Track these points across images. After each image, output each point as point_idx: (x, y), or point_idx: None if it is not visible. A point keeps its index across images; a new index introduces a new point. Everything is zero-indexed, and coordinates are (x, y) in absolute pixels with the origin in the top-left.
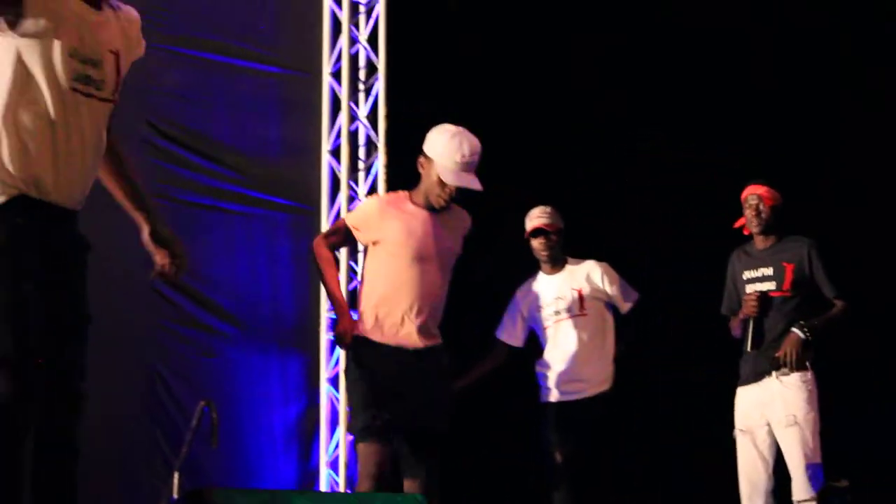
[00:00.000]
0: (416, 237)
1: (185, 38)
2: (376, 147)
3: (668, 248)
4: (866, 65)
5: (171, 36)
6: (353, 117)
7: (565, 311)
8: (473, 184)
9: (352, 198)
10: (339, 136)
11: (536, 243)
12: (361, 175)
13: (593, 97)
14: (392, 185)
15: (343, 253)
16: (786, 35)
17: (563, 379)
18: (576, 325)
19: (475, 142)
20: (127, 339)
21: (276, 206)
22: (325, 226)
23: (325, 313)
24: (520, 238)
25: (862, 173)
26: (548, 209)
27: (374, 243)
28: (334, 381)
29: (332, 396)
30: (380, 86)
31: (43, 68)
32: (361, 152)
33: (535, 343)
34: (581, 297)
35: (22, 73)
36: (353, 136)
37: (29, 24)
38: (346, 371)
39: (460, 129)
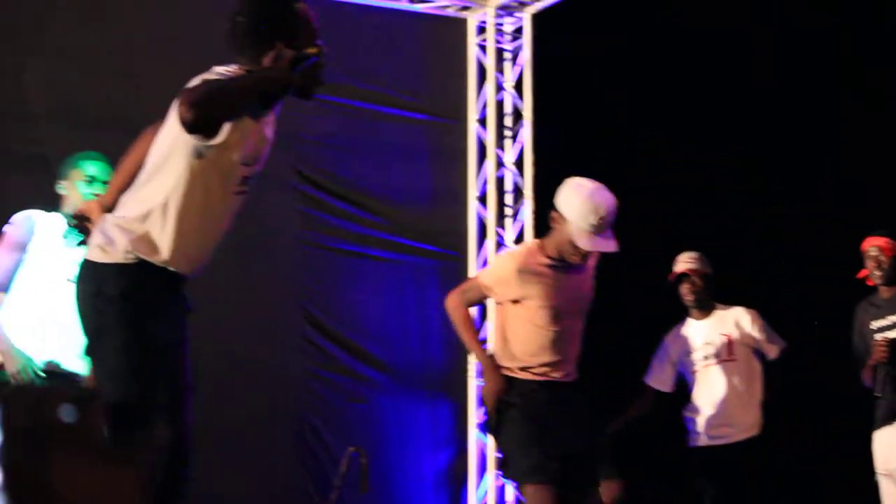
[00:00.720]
0: (554, 299)
1: (333, 87)
2: (523, 193)
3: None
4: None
5: None
6: (499, 164)
7: (714, 356)
8: (607, 246)
9: (499, 244)
10: (486, 182)
11: (683, 288)
12: (508, 221)
13: (741, 141)
14: (539, 232)
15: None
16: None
17: (711, 424)
18: (724, 371)
19: (610, 202)
20: (276, 385)
21: (424, 253)
22: (473, 272)
23: (474, 359)
24: (668, 283)
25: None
26: (695, 254)
27: (513, 302)
28: (483, 427)
29: (481, 442)
30: (526, 132)
31: (215, 175)
32: (508, 198)
33: (683, 388)
34: (730, 343)
35: (192, 175)
36: (500, 182)
37: (220, 139)
38: (498, 413)
39: (595, 186)
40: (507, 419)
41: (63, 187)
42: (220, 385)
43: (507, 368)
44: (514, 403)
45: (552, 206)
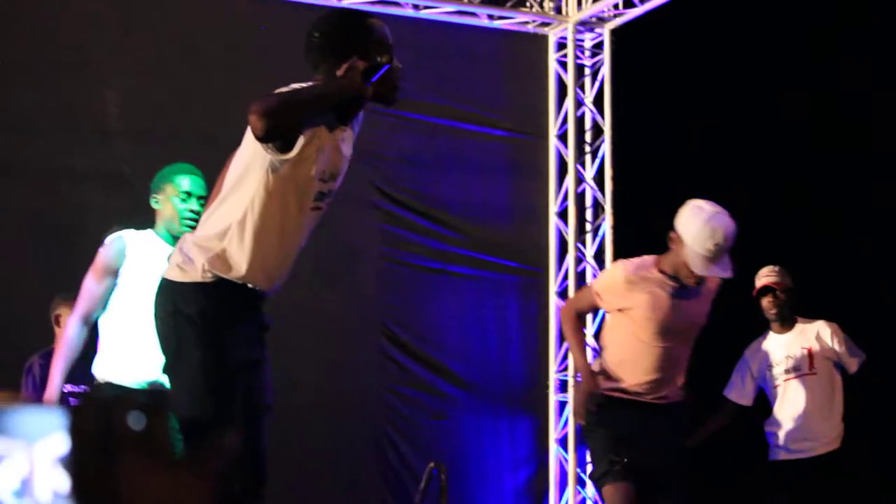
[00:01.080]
0: (662, 313)
1: (412, 103)
2: (603, 209)
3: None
4: None
5: (399, 101)
6: (579, 179)
7: (794, 369)
8: (722, 272)
9: (579, 259)
10: (565, 198)
11: (765, 302)
12: (589, 237)
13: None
14: (619, 247)
15: None
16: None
17: (792, 437)
18: (805, 385)
19: (729, 228)
20: (357, 402)
21: (505, 269)
22: (553, 288)
23: (554, 375)
24: (748, 297)
25: None
26: (776, 268)
27: (619, 311)
28: (563, 443)
29: (562, 458)
30: (606, 147)
31: (291, 191)
32: (588, 214)
33: (763, 402)
34: (811, 356)
35: (268, 190)
36: (580, 198)
37: (294, 152)
38: (586, 421)
39: (715, 211)
40: (595, 424)
41: (157, 202)
42: (301, 400)
43: (604, 380)
44: (603, 407)
45: (632, 222)
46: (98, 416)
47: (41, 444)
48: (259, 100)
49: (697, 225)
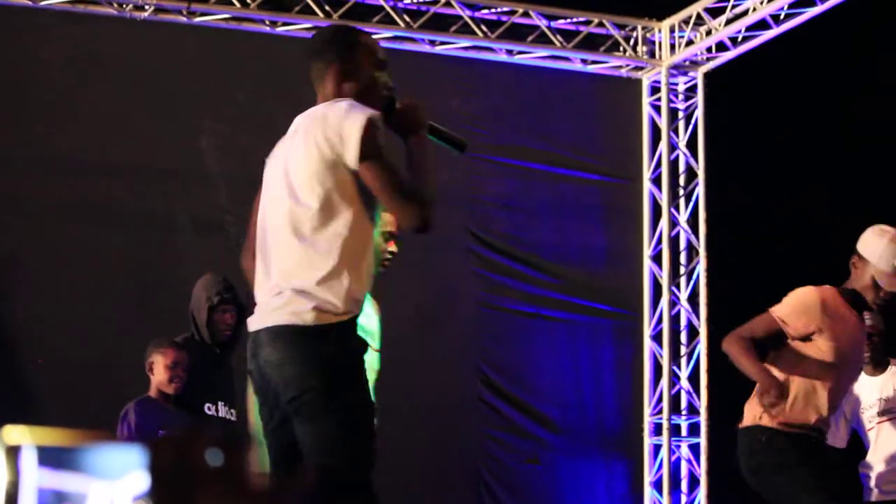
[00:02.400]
0: (849, 341)
1: (508, 148)
2: (697, 251)
3: None
4: None
5: (494, 146)
6: (673, 223)
7: (888, 411)
8: None
9: (673, 303)
10: (659, 241)
11: None
12: (683, 280)
13: None
14: (713, 290)
15: (665, 356)
16: None
17: (886, 479)
18: None
19: None
20: (452, 446)
21: (599, 313)
22: (647, 331)
23: (648, 418)
24: None
25: None
26: (870, 312)
27: (803, 340)
28: (657, 486)
29: (656, 500)
30: (700, 190)
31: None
32: (682, 257)
33: (857, 443)
34: None
35: (362, 216)
36: (674, 241)
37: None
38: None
39: None
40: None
41: None
42: (399, 443)
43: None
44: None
45: (725, 264)
46: (176, 452)
47: (122, 481)
48: (407, 203)
49: (883, 243)
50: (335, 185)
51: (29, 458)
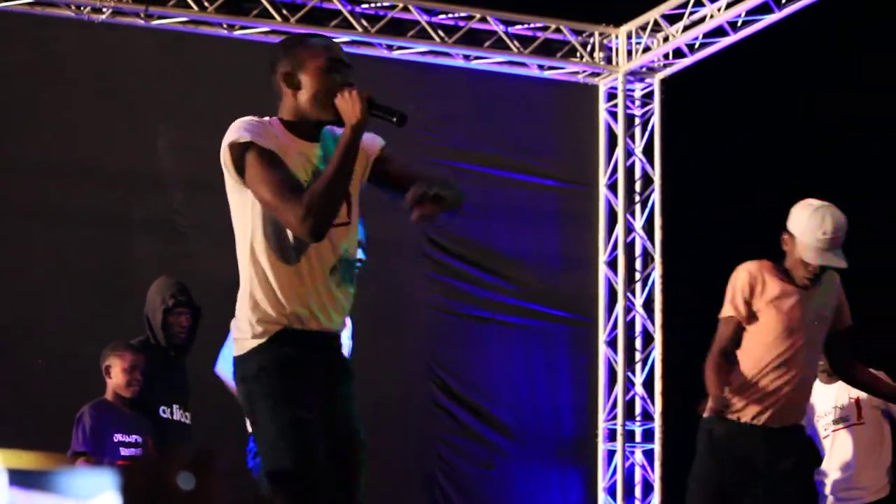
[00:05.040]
0: (787, 310)
1: (464, 153)
2: (653, 258)
3: None
4: None
5: (451, 151)
6: (629, 229)
7: (843, 420)
8: (837, 262)
9: (628, 309)
10: (615, 247)
11: None
12: (638, 286)
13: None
14: (668, 296)
15: (620, 362)
16: None
17: (840, 487)
18: (853, 434)
19: (840, 217)
20: (407, 450)
21: (554, 318)
22: (602, 337)
23: (602, 423)
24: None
25: None
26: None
27: (754, 317)
28: (612, 492)
29: None
30: (655, 196)
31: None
32: (638, 263)
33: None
34: (859, 406)
35: (265, 223)
36: (630, 247)
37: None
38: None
39: (824, 204)
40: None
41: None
42: None
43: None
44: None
45: (680, 270)
46: (148, 475)
47: (93, 502)
48: (288, 207)
49: (805, 216)
50: (237, 206)
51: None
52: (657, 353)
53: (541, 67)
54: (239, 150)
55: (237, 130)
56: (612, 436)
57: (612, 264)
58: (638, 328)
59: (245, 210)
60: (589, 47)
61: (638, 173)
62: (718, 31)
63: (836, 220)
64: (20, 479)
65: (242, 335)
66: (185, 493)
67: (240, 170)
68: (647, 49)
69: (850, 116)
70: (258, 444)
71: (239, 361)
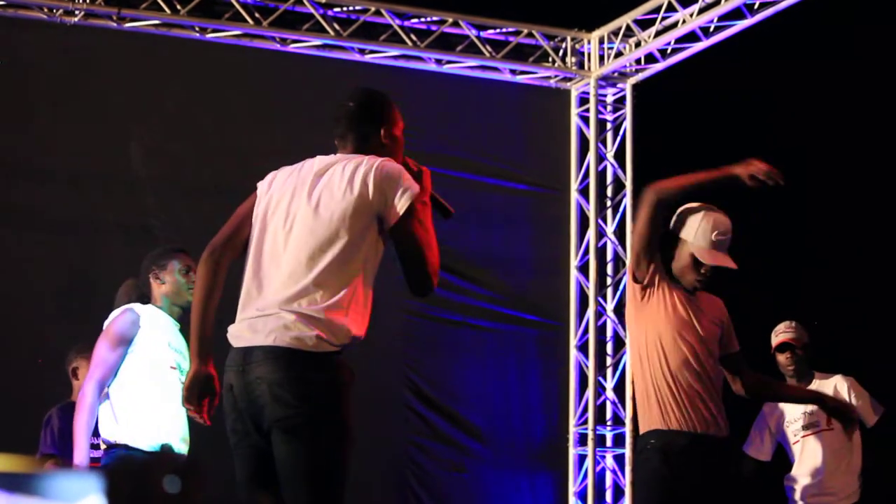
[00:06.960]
0: (678, 317)
1: (436, 157)
2: (624, 263)
3: None
4: None
5: (422, 154)
6: (600, 233)
7: (813, 425)
8: (728, 262)
9: (600, 313)
10: (586, 252)
11: (783, 358)
12: (609, 291)
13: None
14: None
15: (591, 366)
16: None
17: (810, 492)
18: (823, 440)
19: (726, 220)
20: (379, 453)
21: (525, 322)
22: (573, 341)
23: (573, 428)
24: (766, 352)
25: None
26: (793, 323)
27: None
28: (582, 496)
29: None
30: (627, 201)
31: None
32: (609, 268)
33: (781, 457)
34: None
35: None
36: (601, 251)
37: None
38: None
39: (707, 206)
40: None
41: (161, 279)
42: None
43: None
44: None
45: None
46: (134, 478)
47: None
48: (436, 270)
49: (695, 220)
50: (366, 229)
51: None
52: (628, 358)
53: (513, 72)
54: (420, 200)
55: (410, 179)
56: (582, 440)
57: (584, 269)
58: (609, 333)
59: (373, 236)
60: (561, 52)
61: (609, 178)
62: (691, 37)
63: (724, 221)
64: (3, 481)
65: (324, 334)
66: (171, 497)
67: (410, 212)
68: (619, 54)
69: (822, 122)
70: (305, 455)
71: (311, 357)
